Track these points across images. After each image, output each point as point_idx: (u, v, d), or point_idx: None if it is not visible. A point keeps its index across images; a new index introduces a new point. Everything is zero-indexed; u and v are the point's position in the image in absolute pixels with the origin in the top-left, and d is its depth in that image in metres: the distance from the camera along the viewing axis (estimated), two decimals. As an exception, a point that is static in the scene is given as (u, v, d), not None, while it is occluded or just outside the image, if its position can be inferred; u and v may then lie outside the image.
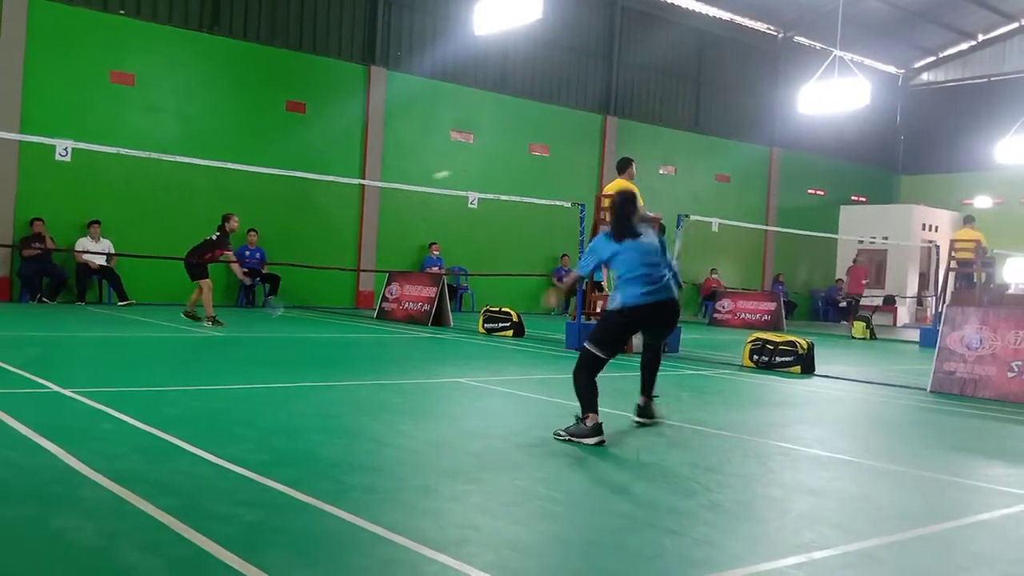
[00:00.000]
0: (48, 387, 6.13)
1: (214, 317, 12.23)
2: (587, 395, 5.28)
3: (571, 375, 5.43)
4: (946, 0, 26.08)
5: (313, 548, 3.05)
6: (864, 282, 24.88)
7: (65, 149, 10.22)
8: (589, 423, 5.18)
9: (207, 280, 12.23)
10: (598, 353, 5.39)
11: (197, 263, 12.34)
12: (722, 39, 25.81)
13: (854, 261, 24.76)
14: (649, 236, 5.76)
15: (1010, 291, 20.74)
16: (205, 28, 17.30)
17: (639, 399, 6.00)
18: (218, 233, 12.49)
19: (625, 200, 5.81)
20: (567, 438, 5.19)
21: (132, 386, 6.64)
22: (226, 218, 12.63)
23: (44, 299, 15.17)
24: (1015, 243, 24.18)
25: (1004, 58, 28.34)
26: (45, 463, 4.02)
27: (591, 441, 5.12)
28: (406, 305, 15.54)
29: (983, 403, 8.10)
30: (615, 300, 5.58)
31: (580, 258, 6.44)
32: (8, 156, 15.18)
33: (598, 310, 11.52)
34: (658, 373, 6.08)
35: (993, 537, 3.84)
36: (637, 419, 5.95)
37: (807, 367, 9.98)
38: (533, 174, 21.43)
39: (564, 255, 21.08)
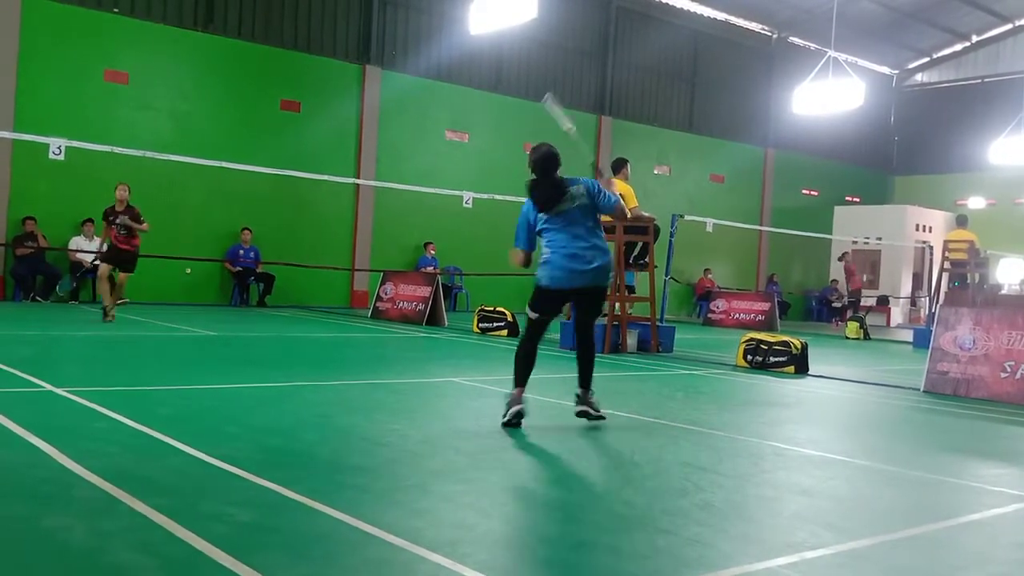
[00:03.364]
0: (41, 386, 6.12)
1: None
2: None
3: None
4: (940, 1, 26.14)
5: (307, 548, 3.04)
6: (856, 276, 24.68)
7: (59, 148, 10.21)
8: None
9: None
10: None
11: None
12: (717, 39, 25.84)
13: (844, 259, 24.55)
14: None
15: (1003, 292, 20.84)
16: (199, 27, 17.28)
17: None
18: None
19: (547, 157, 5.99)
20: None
21: (125, 385, 6.62)
22: None
23: (37, 298, 15.15)
24: (1008, 244, 24.27)
25: (998, 59, 28.41)
26: (37, 462, 4.01)
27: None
28: (401, 305, 15.53)
29: (976, 403, 8.12)
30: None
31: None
32: (1, 154, 15.15)
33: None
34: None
35: (985, 537, 3.85)
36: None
37: (801, 367, 10.00)
38: (528, 174, 21.37)
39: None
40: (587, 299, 5.93)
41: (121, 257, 11.77)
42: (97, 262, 15.60)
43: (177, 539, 3.04)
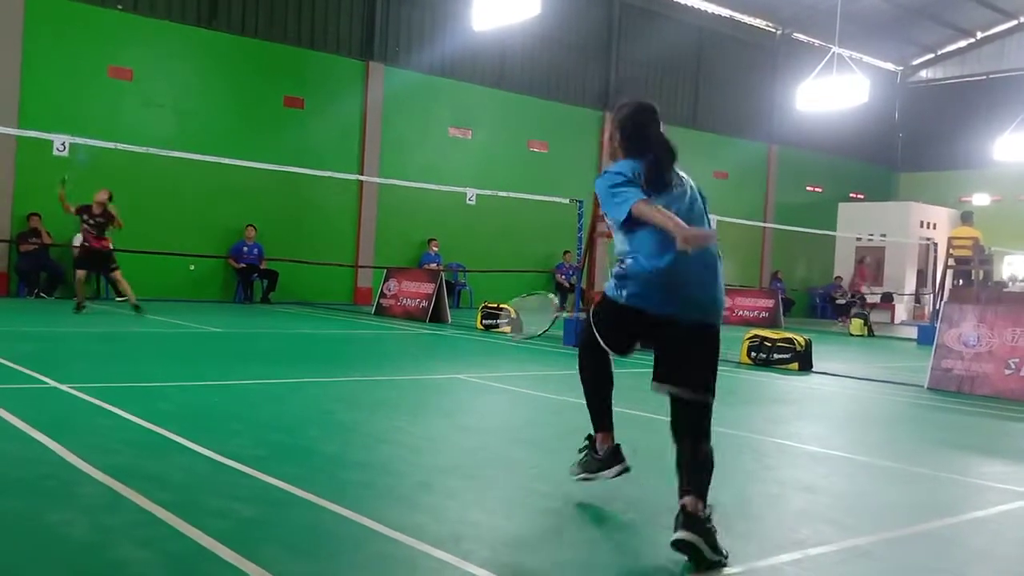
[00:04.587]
0: (45, 382, 6.13)
1: None
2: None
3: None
4: (945, -3, 26.11)
5: (310, 544, 3.04)
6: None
7: (63, 144, 10.21)
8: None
9: None
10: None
11: None
12: (721, 36, 25.79)
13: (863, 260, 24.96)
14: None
15: (1007, 289, 20.80)
16: (203, 23, 17.27)
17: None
18: None
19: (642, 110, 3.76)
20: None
21: (128, 381, 6.63)
22: None
23: (41, 294, 15.17)
24: (1013, 241, 24.21)
25: (1003, 55, 28.33)
26: (41, 457, 4.01)
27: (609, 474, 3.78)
28: (404, 301, 15.53)
29: (980, 400, 8.11)
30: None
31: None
32: (6, 151, 15.16)
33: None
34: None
35: (989, 534, 3.85)
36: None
37: (805, 364, 9.98)
38: (531, 170, 21.40)
39: (566, 251, 20.94)
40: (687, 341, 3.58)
41: (96, 257, 12.31)
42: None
43: (181, 535, 3.04)
